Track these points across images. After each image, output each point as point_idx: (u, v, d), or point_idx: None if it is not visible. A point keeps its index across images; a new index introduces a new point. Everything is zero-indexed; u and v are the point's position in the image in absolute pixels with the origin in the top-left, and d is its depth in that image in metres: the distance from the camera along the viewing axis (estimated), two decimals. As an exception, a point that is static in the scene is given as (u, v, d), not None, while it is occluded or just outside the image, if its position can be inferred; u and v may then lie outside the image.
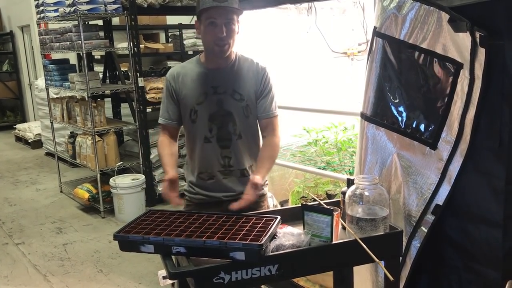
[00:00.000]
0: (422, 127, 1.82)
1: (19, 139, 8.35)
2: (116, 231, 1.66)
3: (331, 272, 2.00)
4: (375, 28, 1.99)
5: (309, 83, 3.46)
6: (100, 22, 5.27)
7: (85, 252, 3.87)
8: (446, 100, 1.73)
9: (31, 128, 8.00)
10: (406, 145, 1.89)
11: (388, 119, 1.96)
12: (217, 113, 1.99)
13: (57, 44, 4.93)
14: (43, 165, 6.80)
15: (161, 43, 6.19)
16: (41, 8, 5.06)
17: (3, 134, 9.26)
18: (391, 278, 1.59)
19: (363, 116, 2.09)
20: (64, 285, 3.34)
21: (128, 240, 1.61)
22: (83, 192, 4.79)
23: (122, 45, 5.30)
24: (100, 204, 4.64)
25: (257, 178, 1.87)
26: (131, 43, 4.60)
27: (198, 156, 2.05)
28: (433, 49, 1.74)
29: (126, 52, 4.71)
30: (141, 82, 4.63)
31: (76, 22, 4.57)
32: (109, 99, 5.52)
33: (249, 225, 1.66)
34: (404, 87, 1.89)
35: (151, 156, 4.82)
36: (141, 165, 4.84)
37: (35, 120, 8.71)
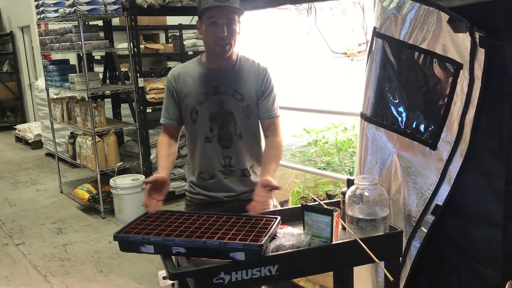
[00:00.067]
0: (422, 127, 1.83)
1: (19, 139, 8.35)
2: (116, 231, 1.65)
3: (331, 273, 2.00)
4: (374, 28, 1.99)
5: (309, 84, 3.46)
6: (100, 23, 5.28)
7: (85, 252, 3.87)
8: (446, 100, 1.73)
9: (31, 129, 8.00)
10: (406, 145, 1.90)
11: (388, 119, 1.96)
12: (218, 113, 2.00)
13: (57, 44, 4.93)
14: (43, 166, 6.80)
15: (161, 44, 6.20)
16: (41, 9, 5.07)
17: (3, 135, 9.27)
18: (391, 278, 1.59)
19: (363, 116, 2.09)
20: (64, 285, 3.34)
21: (128, 240, 1.61)
22: (83, 192, 4.80)
23: (122, 45, 5.30)
24: (100, 205, 4.64)
25: (269, 179, 1.83)
26: (131, 44, 4.60)
27: (199, 156, 2.06)
28: (433, 50, 1.74)
29: (126, 52, 4.71)
30: (141, 82, 4.63)
31: (76, 23, 4.58)
32: (109, 99, 5.52)
33: (249, 225, 1.66)
34: (404, 88, 1.89)
35: (151, 157, 4.82)
36: (141, 166, 4.84)
37: (35, 120, 8.71)
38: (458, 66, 1.66)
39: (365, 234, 1.67)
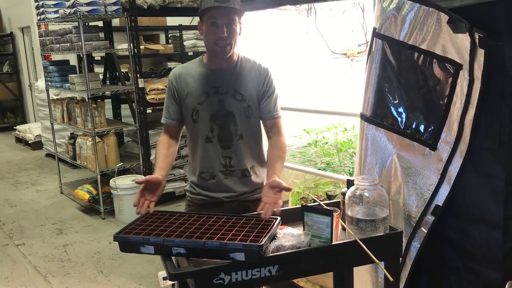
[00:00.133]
0: (421, 128, 1.83)
1: (19, 140, 8.35)
2: (116, 232, 1.66)
3: (331, 273, 2.00)
4: (374, 29, 1.99)
5: (309, 84, 3.46)
6: (100, 23, 5.28)
7: (85, 253, 3.87)
8: (445, 101, 1.73)
9: (31, 129, 8.00)
10: (406, 146, 1.90)
11: (387, 120, 1.97)
12: (219, 113, 2.00)
13: (57, 45, 4.94)
14: (44, 166, 6.80)
15: (161, 44, 6.21)
16: (41, 10, 5.07)
17: (4, 135, 9.27)
18: (391, 278, 1.59)
19: (363, 117, 2.09)
20: (65, 286, 3.34)
21: (128, 241, 1.61)
22: (84, 193, 4.80)
23: (122, 46, 5.30)
24: (100, 205, 4.64)
25: (278, 180, 1.82)
26: (131, 44, 4.60)
27: (199, 156, 2.06)
28: (433, 50, 1.74)
29: (126, 53, 4.71)
30: (141, 83, 4.63)
31: (76, 23, 4.58)
32: (109, 100, 5.53)
33: (249, 226, 1.66)
34: (404, 88, 1.89)
35: (151, 157, 4.81)
36: (142, 166, 4.84)
37: (35, 121, 8.71)
38: (458, 67, 1.67)
39: (365, 235, 1.67)
